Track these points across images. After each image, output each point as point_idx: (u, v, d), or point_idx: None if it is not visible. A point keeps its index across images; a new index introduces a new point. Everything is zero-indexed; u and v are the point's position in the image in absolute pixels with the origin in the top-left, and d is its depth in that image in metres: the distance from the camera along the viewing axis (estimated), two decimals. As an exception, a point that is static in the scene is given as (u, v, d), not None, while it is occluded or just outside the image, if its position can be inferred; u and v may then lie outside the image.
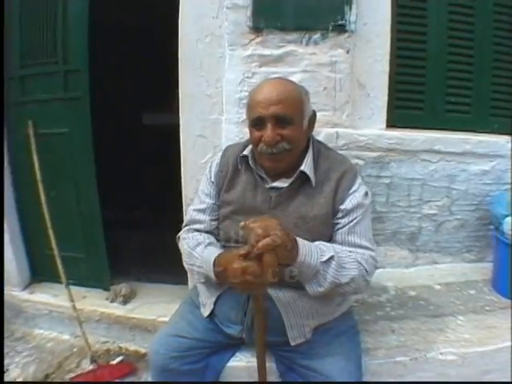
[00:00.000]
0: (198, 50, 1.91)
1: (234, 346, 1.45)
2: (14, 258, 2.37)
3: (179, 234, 1.48)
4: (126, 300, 2.33)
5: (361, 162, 1.95)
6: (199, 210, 1.44)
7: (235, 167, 1.40)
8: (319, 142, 1.47)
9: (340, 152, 1.87)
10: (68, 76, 2.14)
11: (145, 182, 3.68)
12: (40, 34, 2.14)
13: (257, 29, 1.83)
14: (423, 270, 2.10)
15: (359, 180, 1.34)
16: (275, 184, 1.34)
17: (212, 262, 1.26)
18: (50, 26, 2.11)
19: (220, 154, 1.50)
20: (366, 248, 1.29)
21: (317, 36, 1.83)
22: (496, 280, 1.92)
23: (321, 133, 1.91)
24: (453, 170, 1.97)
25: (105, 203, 2.37)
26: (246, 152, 1.37)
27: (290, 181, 1.32)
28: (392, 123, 2.00)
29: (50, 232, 2.18)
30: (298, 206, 1.31)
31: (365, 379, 1.45)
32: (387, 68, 1.89)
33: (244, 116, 1.53)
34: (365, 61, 1.88)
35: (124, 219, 3.11)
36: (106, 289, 2.39)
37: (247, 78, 1.87)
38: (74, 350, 2.19)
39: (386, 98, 1.92)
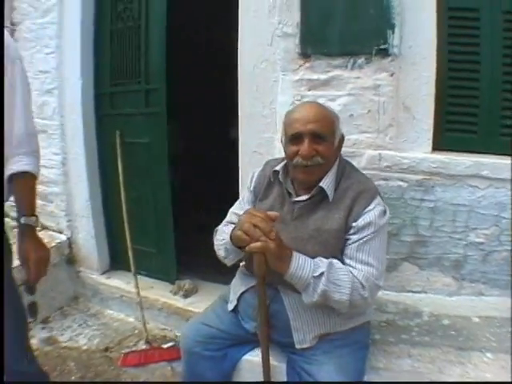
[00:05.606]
0: (254, 74, 2.10)
1: (253, 341, 1.57)
2: (97, 247, 2.78)
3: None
4: (187, 294, 2.57)
5: (404, 185, 1.95)
6: (236, 214, 1.57)
7: (270, 180, 1.54)
8: (347, 162, 1.54)
9: (383, 174, 1.95)
10: (149, 94, 2.49)
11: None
12: (127, 59, 2.54)
13: (305, 55, 1.96)
14: (467, 300, 1.97)
15: (377, 200, 1.40)
16: (298, 198, 1.45)
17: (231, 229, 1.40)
18: (135, 52, 2.50)
19: (262, 166, 1.65)
20: (372, 266, 1.34)
21: (361, 60, 1.90)
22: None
23: (364, 154, 1.96)
24: (503, 198, 1.85)
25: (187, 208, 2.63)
26: (277, 168, 1.50)
27: (309, 195, 1.43)
28: (442, 147, 1.95)
29: (126, 227, 2.52)
30: (315, 219, 1.41)
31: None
32: (433, 90, 1.87)
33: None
34: (410, 83, 1.88)
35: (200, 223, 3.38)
36: (172, 282, 2.66)
37: (297, 100, 2.00)
38: (136, 331, 2.50)
39: (431, 121, 1.89)
